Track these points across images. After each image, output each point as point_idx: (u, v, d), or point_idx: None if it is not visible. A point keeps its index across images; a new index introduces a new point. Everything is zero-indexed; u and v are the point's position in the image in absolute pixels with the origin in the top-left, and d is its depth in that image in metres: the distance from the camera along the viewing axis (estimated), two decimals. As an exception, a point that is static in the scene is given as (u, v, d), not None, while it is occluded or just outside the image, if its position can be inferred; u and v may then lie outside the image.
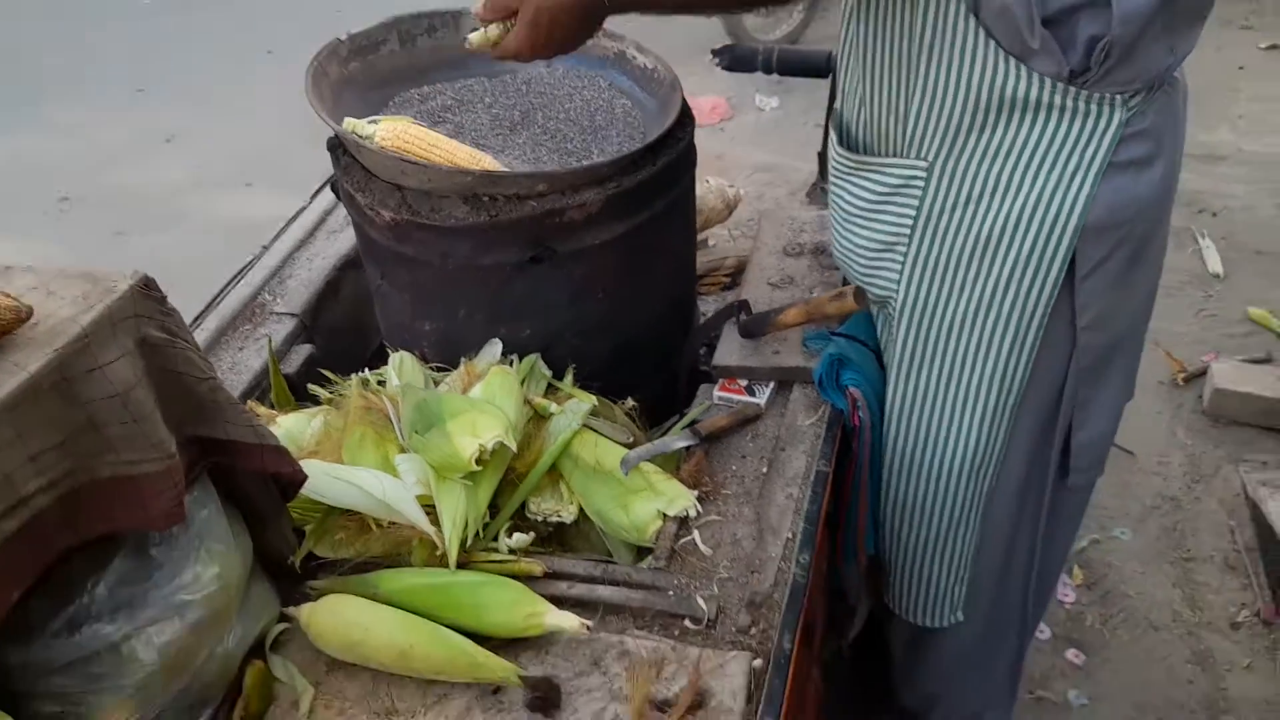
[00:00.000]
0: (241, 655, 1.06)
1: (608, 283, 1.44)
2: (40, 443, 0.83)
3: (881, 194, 1.25)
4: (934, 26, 1.10)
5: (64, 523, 0.88)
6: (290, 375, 1.55)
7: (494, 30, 1.22)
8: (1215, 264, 3.19)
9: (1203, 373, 2.73)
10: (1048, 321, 1.22)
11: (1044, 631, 2.14)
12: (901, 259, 1.26)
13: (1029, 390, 1.28)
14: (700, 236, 2.16)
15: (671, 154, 1.42)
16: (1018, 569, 1.49)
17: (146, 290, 0.91)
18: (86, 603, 0.93)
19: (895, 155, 1.23)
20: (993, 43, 1.07)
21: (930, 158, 1.18)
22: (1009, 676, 1.70)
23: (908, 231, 1.24)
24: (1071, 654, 2.10)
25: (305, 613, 1.11)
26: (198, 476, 1.00)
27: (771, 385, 1.43)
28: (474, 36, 1.24)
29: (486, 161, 1.36)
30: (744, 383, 1.45)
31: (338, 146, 1.47)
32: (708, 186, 2.03)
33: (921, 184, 1.20)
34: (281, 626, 1.13)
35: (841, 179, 1.31)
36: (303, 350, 1.62)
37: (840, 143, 1.31)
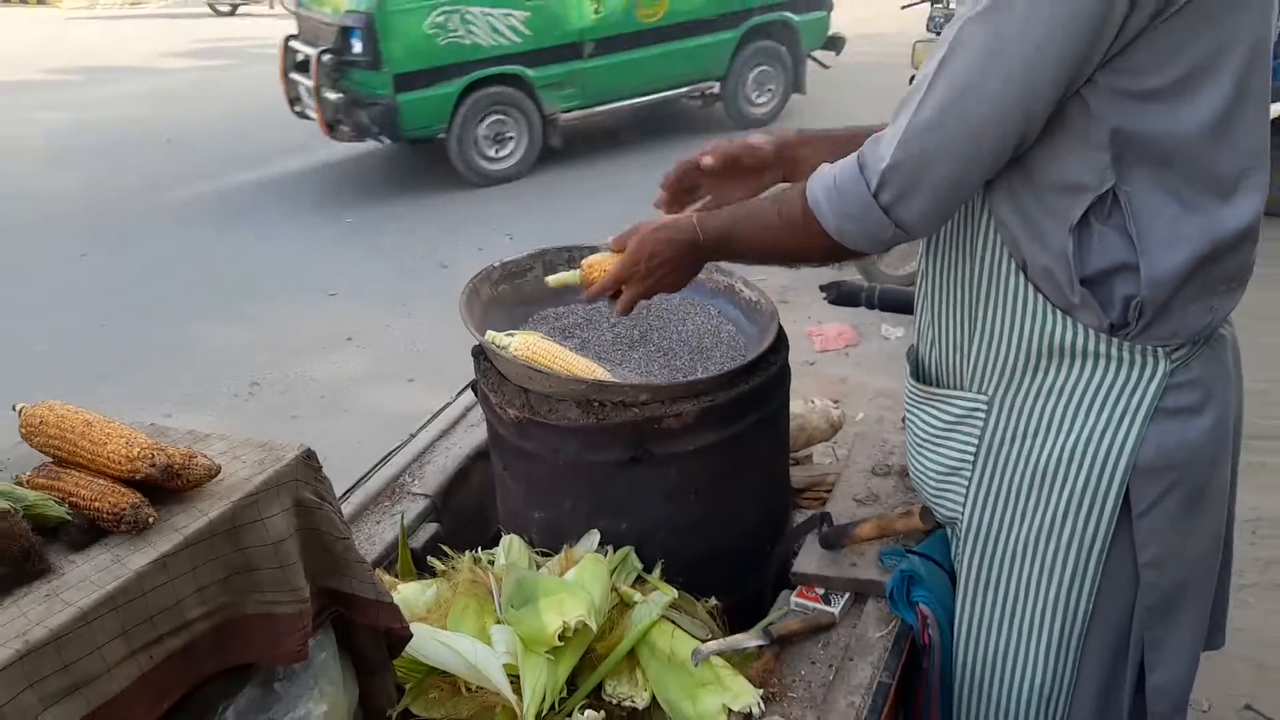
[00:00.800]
0: (336, 795, 1.19)
1: (700, 486, 1.59)
2: (208, 577, 1.03)
3: (947, 423, 1.36)
4: (989, 278, 1.25)
5: (213, 649, 1.06)
6: (416, 549, 1.74)
7: (571, 275, 1.48)
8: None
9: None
10: (1109, 557, 1.27)
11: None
12: (966, 483, 1.36)
13: (1095, 624, 1.30)
14: (804, 453, 2.29)
15: (764, 376, 1.60)
16: None
17: (308, 460, 1.13)
18: (217, 723, 1.09)
19: (959, 389, 1.35)
20: (1040, 296, 1.21)
21: (990, 392, 1.30)
22: None
23: (970, 458, 1.34)
24: None
25: (395, 768, 1.23)
26: (322, 623, 1.18)
27: (847, 596, 1.51)
28: (552, 279, 1.51)
29: (599, 372, 1.58)
30: (821, 591, 1.53)
31: (480, 353, 1.72)
32: (812, 407, 2.19)
33: (982, 416, 1.32)
34: (374, 781, 1.26)
35: (914, 407, 1.44)
36: (430, 528, 1.83)
37: (912, 374, 1.45)
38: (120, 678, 0.94)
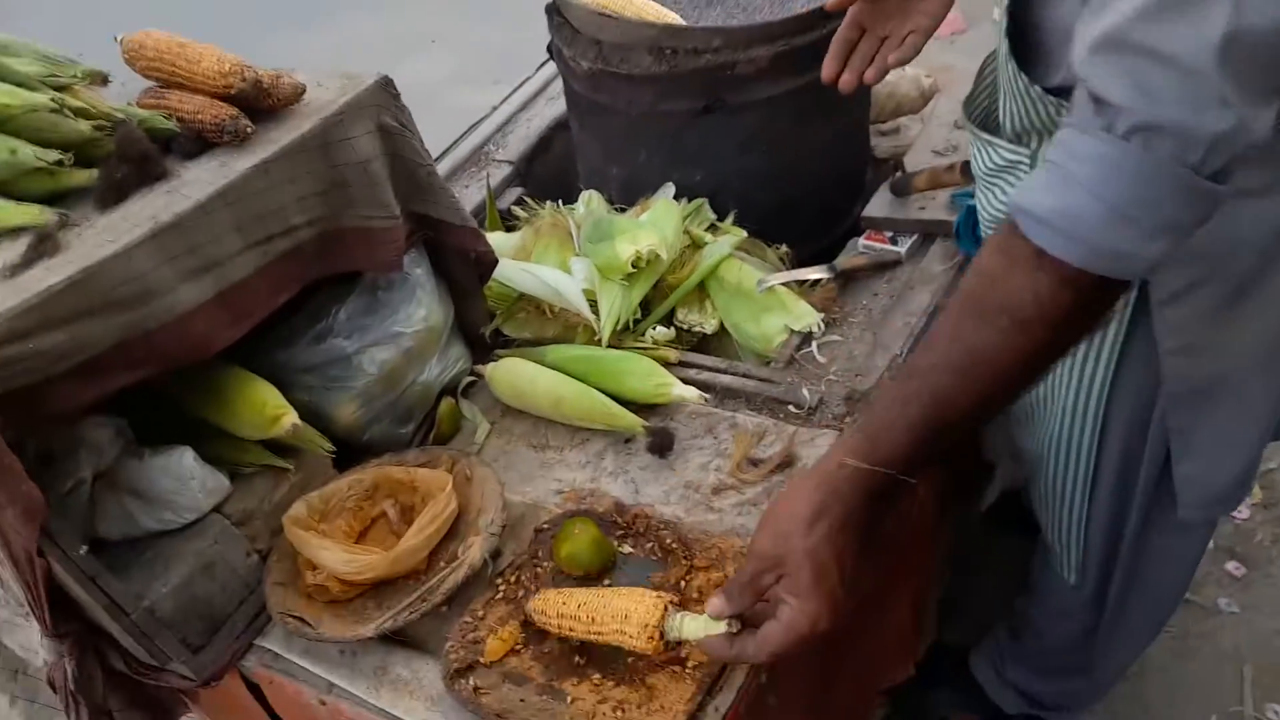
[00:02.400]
0: (438, 389, 1.36)
1: (773, 136, 1.60)
2: (307, 188, 1.13)
3: (998, 167, 1.21)
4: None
5: (318, 255, 1.19)
6: (502, 209, 1.84)
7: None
8: None
9: None
10: (1126, 337, 1.14)
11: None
12: None
13: (1114, 400, 1.20)
14: (893, 124, 2.25)
15: (840, 20, 1.54)
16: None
17: (386, 87, 1.19)
18: (330, 323, 1.25)
19: (1002, 138, 1.17)
20: None
21: (1031, 147, 1.13)
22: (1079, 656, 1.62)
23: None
24: (1232, 565, 2.06)
25: (489, 369, 1.39)
26: (415, 243, 1.29)
27: (915, 237, 1.55)
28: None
29: (671, 17, 1.55)
30: (889, 234, 1.57)
31: (554, 9, 1.71)
32: (903, 74, 2.11)
33: (1025, 170, 1.15)
34: (471, 379, 1.43)
35: (973, 145, 1.27)
36: (514, 192, 1.91)
37: (969, 116, 1.28)
38: (241, 266, 1.07)
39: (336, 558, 1.10)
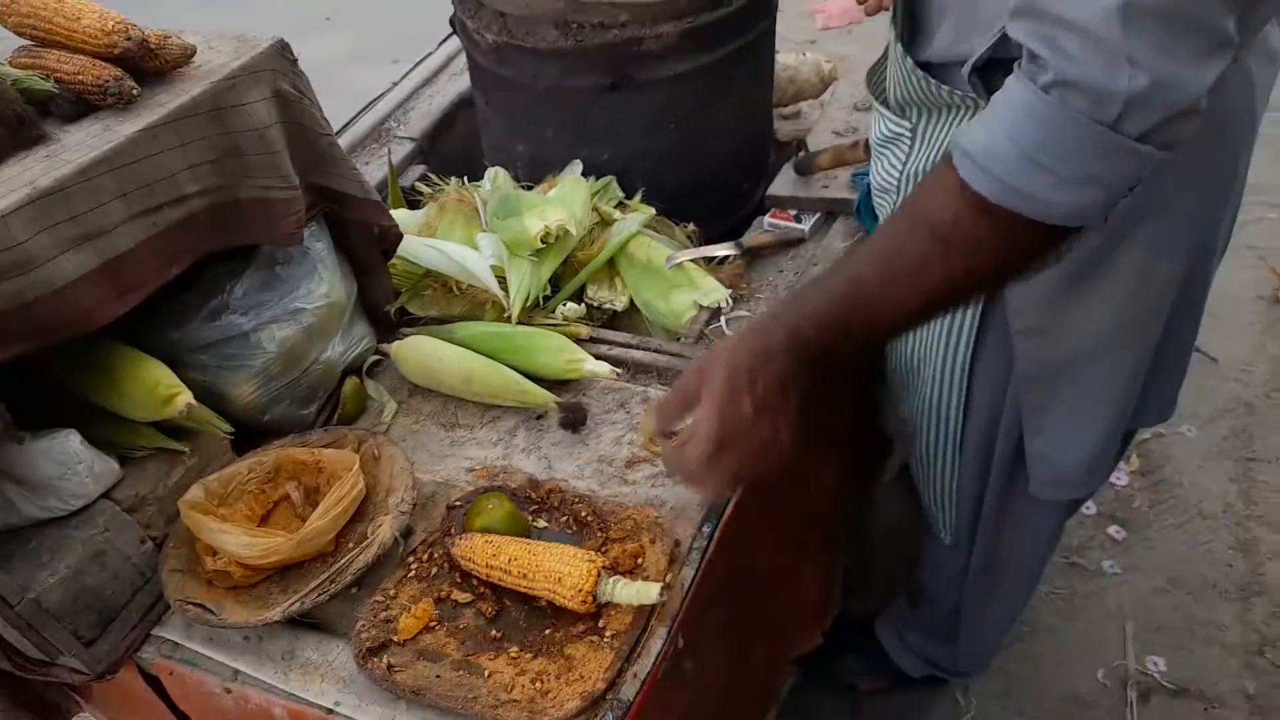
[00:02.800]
0: (341, 368, 1.32)
1: (680, 115, 1.60)
2: (199, 155, 1.08)
3: (884, 137, 1.25)
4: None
5: (213, 227, 1.14)
6: (405, 187, 1.79)
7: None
8: (1349, 186, 3.05)
9: (1308, 290, 2.67)
10: (983, 314, 1.18)
11: (1089, 508, 2.22)
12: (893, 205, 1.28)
13: (977, 373, 1.24)
14: (793, 108, 2.29)
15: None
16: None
17: (283, 52, 1.15)
18: (226, 299, 1.19)
19: (889, 110, 1.23)
20: None
21: (913, 121, 1.17)
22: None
23: (896, 182, 1.24)
24: (1113, 530, 2.18)
25: (394, 347, 1.36)
26: (315, 215, 1.25)
27: (818, 215, 1.58)
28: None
29: (576, -8, 1.54)
30: (793, 212, 1.60)
31: (455, -19, 1.67)
32: (803, 60, 2.15)
33: (907, 144, 1.19)
34: (376, 358, 1.39)
35: (873, 115, 1.31)
36: (417, 169, 1.87)
37: (869, 84, 1.32)
38: (127, 236, 1.02)
39: (238, 541, 1.06)
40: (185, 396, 1.09)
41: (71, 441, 1.05)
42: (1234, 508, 2.20)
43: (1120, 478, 2.28)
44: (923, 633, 1.82)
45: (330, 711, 0.96)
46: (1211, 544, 2.13)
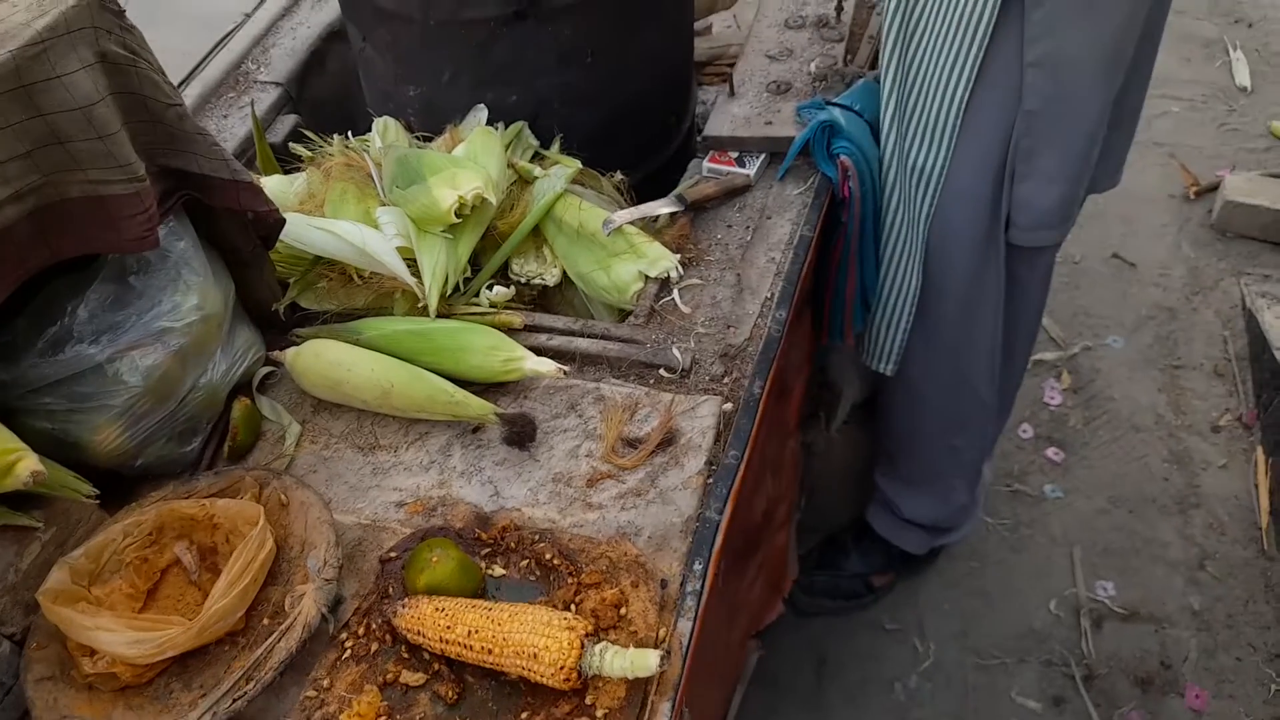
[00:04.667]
0: (227, 390, 1.09)
1: (596, 45, 1.38)
2: (5, 151, 0.82)
3: None
4: None
5: (37, 238, 0.88)
6: (276, 144, 1.52)
7: None
8: (1243, 77, 3.05)
9: (1215, 187, 2.67)
10: (996, 42, 1.22)
11: (1026, 431, 2.19)
12: None
13: (977, 116, 1.28)
14: (704, 23, 2.08)
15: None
16: (981, 334, 1.49)
17: (103, 2, 0.88)
18: (68, 324, 0.94)
19: None
20: None
21: None
22: (975, 454, 1.74)
23: None
24: (1051, 452, 2.15)
25: (290, 356, 1.13)
26: (172, 208, 1.00)
27: (763, 157, 1.40)
28: None
29: (468, -98, 1.28)
30: (734, 154, 1.41)
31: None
32: (714, -33, 1.93)
33: None
34: (267, 370, 1.16)
35: None
36: (288, 120, 1.59)
37: None
38: (-83, 272, 0.76)
39: (121, 639, 0.84)
40: (29, 462, 0.86)
41: (-124, 541, 0.81)
42: (1165, 419, 2.20)
43: (1054, 396, 2.25)
44: (913, 497, 1.81)
45: (267, 846, 0.78)
46: (1147, 458, 2.13)
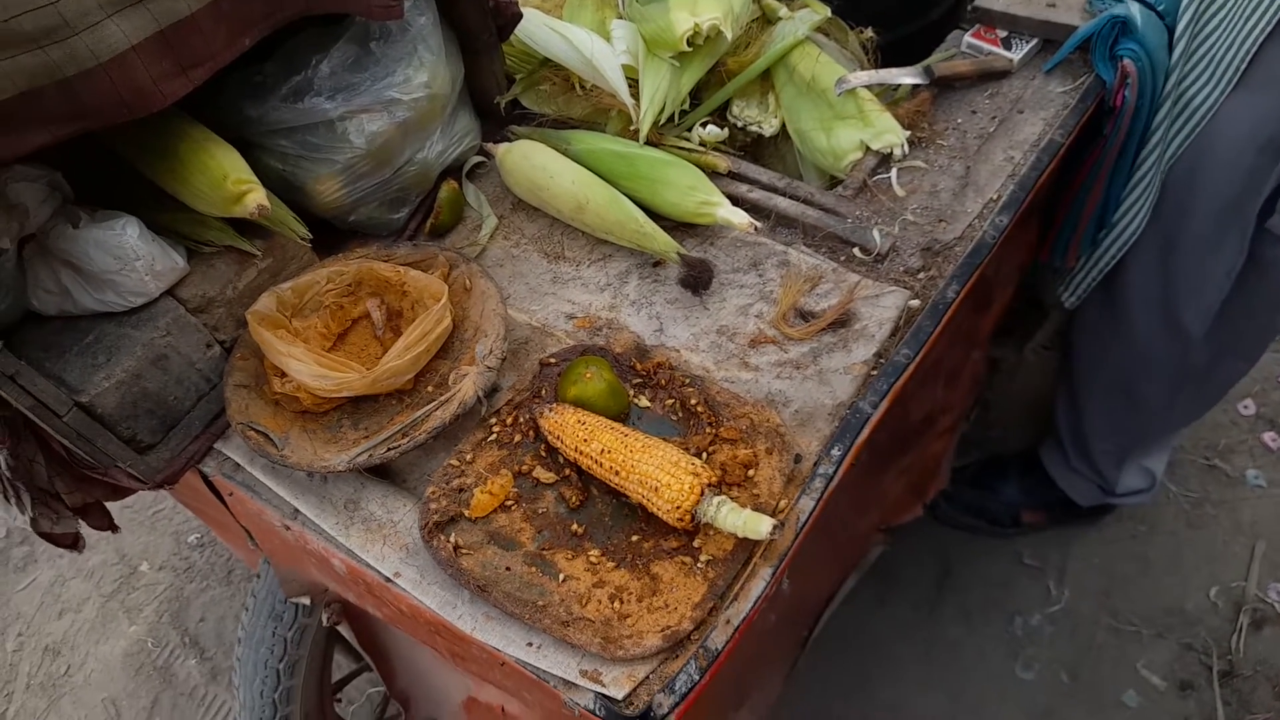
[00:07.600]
0: (439, 170, 1.15)
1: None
2: (279, -105, 0.86)
3: None
4: None
5: (297, -12, 0.93)
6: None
7: None
8: None
9: None
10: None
11: (1248, 407, 1.98)
12: None
13: (1269, 69, 1.13)
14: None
15: None
16: (1201, 300, 1.36)
17: None
18: (310, 76, 1.01)
19: None
20: None
21: None
22: (1165, 421, 1.61)
23: None
24: (1269, 436, 1.94)
25: (501, 150, 1.17)
26: (421, -18, 1.02)
27: (1033, 42, 1.26)
28: None
29: None
30: (1003, 34, 1.28)
31: None
32: None
33: None
34: (478, 160, 1.20)
35: None
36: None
37: None
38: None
39: (308, 371, 0.94)
40: (257, 195, 0.94)
41: (128, 235, 0.92)
42: None
43: (1293, 379, 2.01)
44: (1091, 447, 1.72)
45: (389, 581, 0.88)
46: (1382, 473, 1.88)
